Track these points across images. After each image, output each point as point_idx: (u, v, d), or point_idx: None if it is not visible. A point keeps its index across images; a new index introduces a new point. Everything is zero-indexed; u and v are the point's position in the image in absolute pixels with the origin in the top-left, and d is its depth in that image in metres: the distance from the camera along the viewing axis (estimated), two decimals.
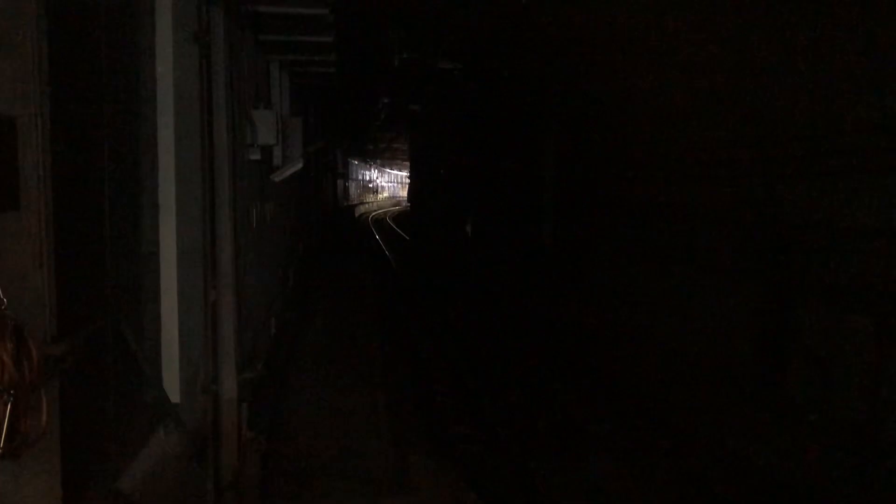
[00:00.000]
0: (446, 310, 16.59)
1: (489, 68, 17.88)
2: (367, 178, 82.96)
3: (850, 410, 7.70)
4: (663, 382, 10.17)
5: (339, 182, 53.63)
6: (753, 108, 9.17)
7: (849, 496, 6.64)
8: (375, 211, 64.87)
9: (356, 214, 59.30)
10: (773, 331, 8.80)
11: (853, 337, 7.69)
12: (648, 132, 12.13)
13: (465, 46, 15.76)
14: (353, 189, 76.65)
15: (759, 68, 9.02)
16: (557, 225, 17.69)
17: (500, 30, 14.04)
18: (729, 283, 9.72)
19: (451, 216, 35.64)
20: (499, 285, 19.73)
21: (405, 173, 71.56)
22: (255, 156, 7.28)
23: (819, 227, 8.11)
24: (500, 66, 17.45)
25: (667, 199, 11.52)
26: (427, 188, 45.86)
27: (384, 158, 70.92)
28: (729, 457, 7.63)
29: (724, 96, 9.81)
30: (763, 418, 8.53)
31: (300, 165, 8.85)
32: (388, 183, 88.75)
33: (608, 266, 14.20)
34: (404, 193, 71.80)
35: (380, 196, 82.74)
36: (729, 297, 9.74)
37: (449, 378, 10.92)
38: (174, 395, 4.99)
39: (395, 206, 68.49)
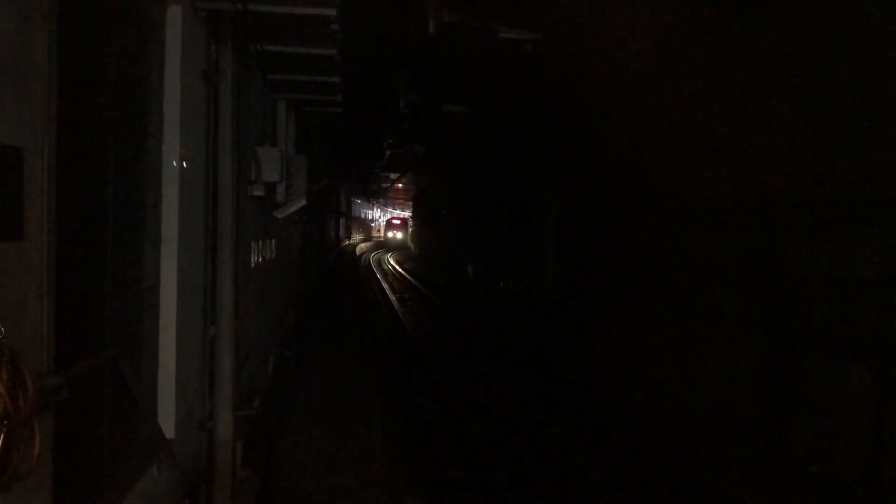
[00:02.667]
0: (445, 349, 16.52)
1: (494, 113, 18.06)
2: (370, 217, 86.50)
3: (852, 464, 7.61)
4: (666, 433, 10.06)
5: (342, 221, 53.84)
6: (754, 159, 9.24)
7: None
8: (375, 251, 65.15)
9: (357, 253, 59.37)
10: (776, 382, 8.74)
11: (854, 389, 7.63)
12: (652, 182, 12.19)
13: (471, 91, 15.93)
14: (355, 228, 77.38)
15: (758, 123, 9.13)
16: (559, 272, 17.71)
17: (504, 76, 14.22)
18: (732, 334, 9.67)
19: (452, 256, 35.65)
20: (498, 327, 19.66)
21: (408, 213, 73.67)
22: (259, 192, 7.31)
23: (821, 279, 8.10)
24: (505, 111, 17.63)
25: (672, 249, 11.53)
26: (428, 228, 45.94)
27: (386, 198, 71.32)
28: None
29: (726, 147, 9.89)
30: (766, 470, 8.42)
31: (303, 203, 8.88)
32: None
33: (611, 315, 14.16)
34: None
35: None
36: (733, 349, 9.68)
37: (444, 420, 10.81)
38: (169, 431, 4.94)
39: (399, 246, 70.18)
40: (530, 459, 9.12)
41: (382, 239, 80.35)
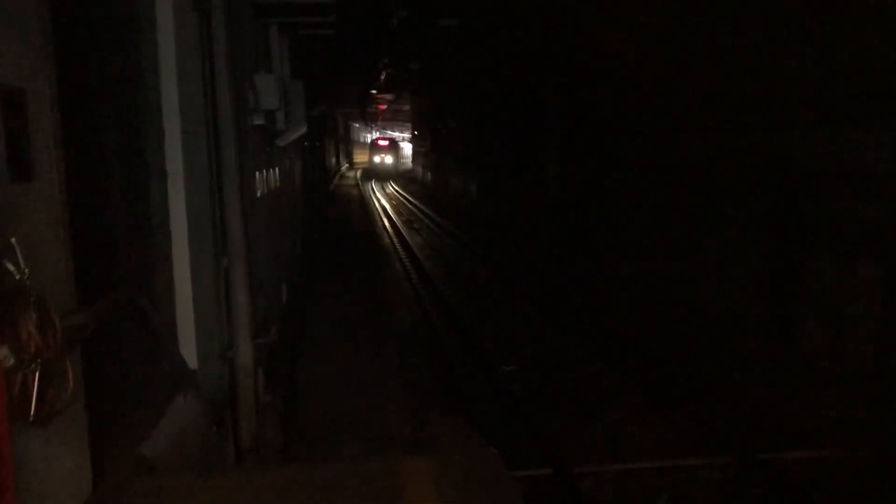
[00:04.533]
0: (453, 265, 16.65)
1: (488, 24, 17.67)
2: (369, 140, 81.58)
3: (860, 356, 7.74)
4: (680, 333, 10.22)
5: (341, 146, 53.44)
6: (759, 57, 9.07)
7: (864, 437, 6.70)
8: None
9: (358, 175, 59.13)
10: (783, 280, 8.81)
11: (861, 284, 7.70)
12: (656, 81, 12.01)
13: (464, 2, 15.55)
14: (355, 151, 76.23)
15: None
16: (563, 176, 17.64)
17: None
18: (742, 233, 9.70)
19: (454, 176, 35.51)
20: (504, 240, 19.76)
21: (406, 134, 69.18)
22: (259, 120, 7.24)
23: (826, 175, 8.07)
24: (500, 20, 17.24)
25: (680, 149, 11.45)
26: (429, 148, 45.56)
27: (385, 120, 70.42)
28: (746, 400, 7.70)
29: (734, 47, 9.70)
30: (778, 366, 8.58)
31: (304, 129, 8.80)
32: None
33: (628, 218, 14.13)
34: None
35: None
36: (743, 248, 9.72)
37: (454, 334, 10.99)
38: (191, 363, 5.05)
39: (388, 175, 61.24)
40: (543, 370, 9.30)
41: (367, 165, 66.36)
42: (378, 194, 43.31)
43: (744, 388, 8.03)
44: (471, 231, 22.81)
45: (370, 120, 66.33)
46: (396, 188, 48.37)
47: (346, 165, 64.98)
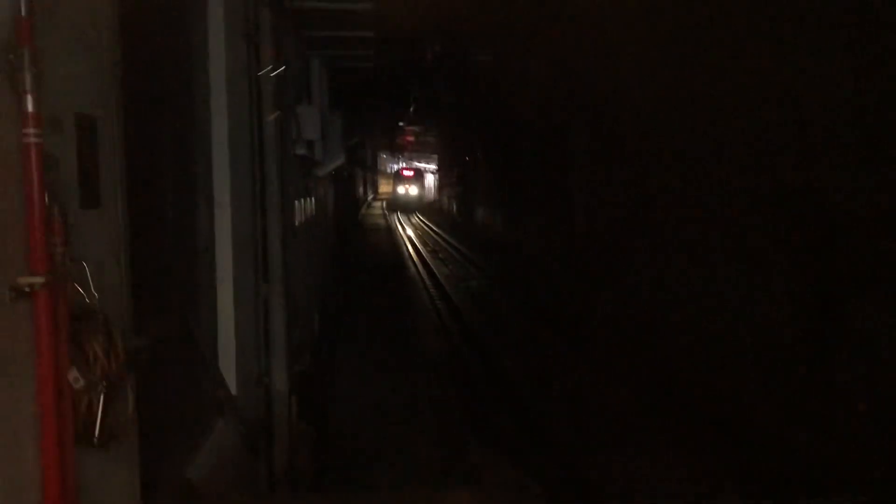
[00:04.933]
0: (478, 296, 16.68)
1: (519, 61, 17.84)
2: (393, 170, 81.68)
3: None
4: (714, 378, 10.12)
5: (368, 174, 53.80)
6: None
7: None
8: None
9: (384, 205, 59.34)
10: (823, 323, 8.71)
11: None
12: (686, 117, 12.00)
13: (497, 40, 15.74)
14: (381, 181, 76.47)
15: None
16: (589, 214, 17.62)
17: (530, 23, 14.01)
18: (776, 272, 9.61)
19: (479, 206, 35.59)
20: (530, 272, 19.73)
21: (432, 165, 69.04)
22: (301, 150, 7.38)
23: (864, 213, 8.00)
24: (530, 57, 17.39)
25: (708, 187, 11.41)
26: (455, 180, 45.71)
27: (411, 151, 70.80)
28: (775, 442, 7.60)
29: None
30: (813, 409, 8.46)
31: (342, 160, 8.94)
32: None
33: (650, 261, 14.06)
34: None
35: None
36: (778, 288, 9.62)
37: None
38: (231, 387, 5.09)
39: (413, 207, 58.56)
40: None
41: (391, 196, 63.57)
42: (404, 224, 43.53)
43: (781, 431, 7.93)
44: (496, 263, 22.85)
45: (397, 151, 66.50)
46: (422, 218, 48.56)
47: (372, 196, 64.54)
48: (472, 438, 7.06)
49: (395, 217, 49.25)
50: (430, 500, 3.49)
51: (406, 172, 61.31)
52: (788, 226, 9.33)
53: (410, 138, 51.04)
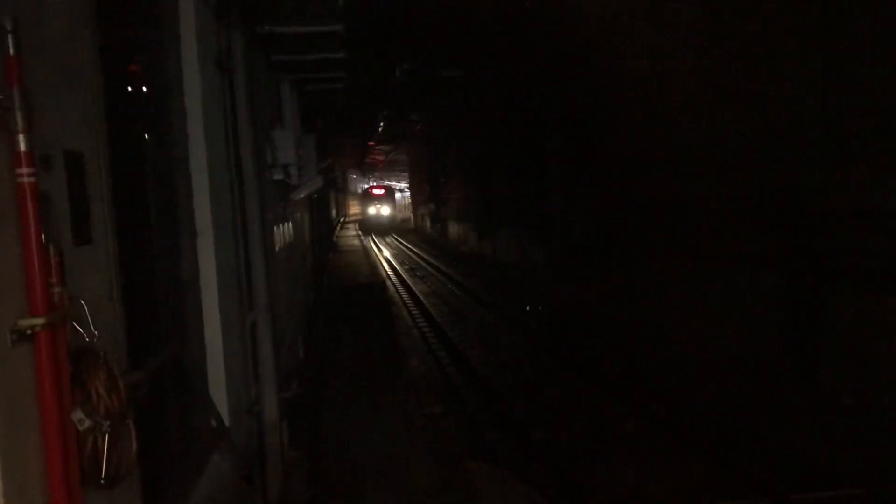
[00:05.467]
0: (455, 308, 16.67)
1: (490, 74, 17.95)
2: (364, 189, 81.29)
3: (884, 393, 7.71)
4: (693, 374, 10.19)
5: (339, 196, 53.58)
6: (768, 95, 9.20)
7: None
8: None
9: (357, 227, 59.13)
10: (800, 317, 8.82)
11: (883, 319, 7.70)
12: (666, 123, 12.14)
13: (466, 54, 15.82)
14: (350, 202, 76.24)
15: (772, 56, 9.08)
16: (566, 220, 17.73)
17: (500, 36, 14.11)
18: (755, 272, 9.72)
19: (453, 222, 35.66)
20: (505, 282, 19.78)
21: (403, 184, 68.68)
22: (279, 176, 7.34)
23: (840, 212, 8.13)
24: (501, 72, 17.51)
25: (687, 191, 11.53)
26: (427, 196, 45.78)
27: (381, 171, 70.80)
28: (763, 442, 7.65)
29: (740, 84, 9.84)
30: (796, 406, 8.54)
31: (320, 183, 8.91)
32: None
33: (630, 262, 14.19)
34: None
35: None
36: (757, 287, 9.73)
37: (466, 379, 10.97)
38: (224, 417, 5.02)
39: (385, 229, 55.33)
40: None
41: (360, 217, 58.94)
42: (380, 244, 43.46)
43: (768, 430, 7.98)
44: (471, 276, 22.91)
45: (367, 171, 66.30)
46: (396, 237, 48.46)
47: (343, 218, 63.38)
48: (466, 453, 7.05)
49: (371, 238, 48.56)
50: None
51: (376, 191, 57.31)
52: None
53: (380, 157, 50.93)
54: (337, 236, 40.98)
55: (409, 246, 39.21)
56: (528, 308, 16.58)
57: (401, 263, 30.55)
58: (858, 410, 7.97)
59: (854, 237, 7.85)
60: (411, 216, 61.44)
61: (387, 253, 36.50)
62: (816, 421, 8.08)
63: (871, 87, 7.55)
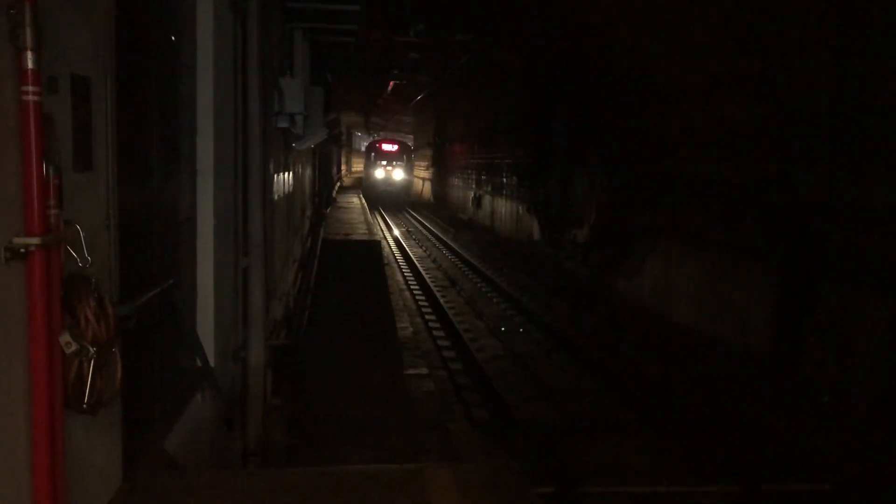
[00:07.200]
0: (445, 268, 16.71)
1: (501, 40, 17.77)
2: (370, 143, 78.28)
3: (865, 392, 7.78)
4: (682, 360, 10.26)
5: (344, 152, 53.22)
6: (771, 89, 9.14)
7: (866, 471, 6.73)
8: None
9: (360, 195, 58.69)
10: (790, 312, 8.86)
11: (870, 319, 7.74)
12: (663, 110, 12.08)
13: (479, 19, 15.66)
14: (353, 160, 75.79)
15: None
16: (564, 189, 17.73)
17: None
18: (748, 264, 9.75)
19: (455, 187, 35.54)
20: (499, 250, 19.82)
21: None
22: (284, 123, 7.30)
23: (837, 211, 8.12)
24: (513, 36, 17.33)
25: (683, 176, 11.51)
26: (430, 161, 45.53)
27: (388, 131, 70.39)
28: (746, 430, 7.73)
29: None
30: (781, 398, 8.61)
31: (325, 135, 8.85)
32: None
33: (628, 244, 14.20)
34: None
35: None
36: (749, 279, 9.77)
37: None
38: (210, 360, 5.04)
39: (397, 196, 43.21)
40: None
41: (364, 180, 45.86)
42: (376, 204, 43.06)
43: (749, 418, 8.06)
44: (468, 242, 23.05)
45: (373, 129, 65.69)
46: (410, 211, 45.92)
47: (341, 183, 59.63)
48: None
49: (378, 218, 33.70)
50: (409, 474, 3.50)
51: (386, 146, 43.71)
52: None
53: (386, 116, 50.35)
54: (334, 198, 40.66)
55: (408, 210, 39.02)
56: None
57: (398, 226, 30.51)
58: (841, 404, 8.04)
59: (849, 236, 7.86)
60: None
61: (384, 212, 36.18)
62: (799, 413, 8.16)
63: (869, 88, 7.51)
